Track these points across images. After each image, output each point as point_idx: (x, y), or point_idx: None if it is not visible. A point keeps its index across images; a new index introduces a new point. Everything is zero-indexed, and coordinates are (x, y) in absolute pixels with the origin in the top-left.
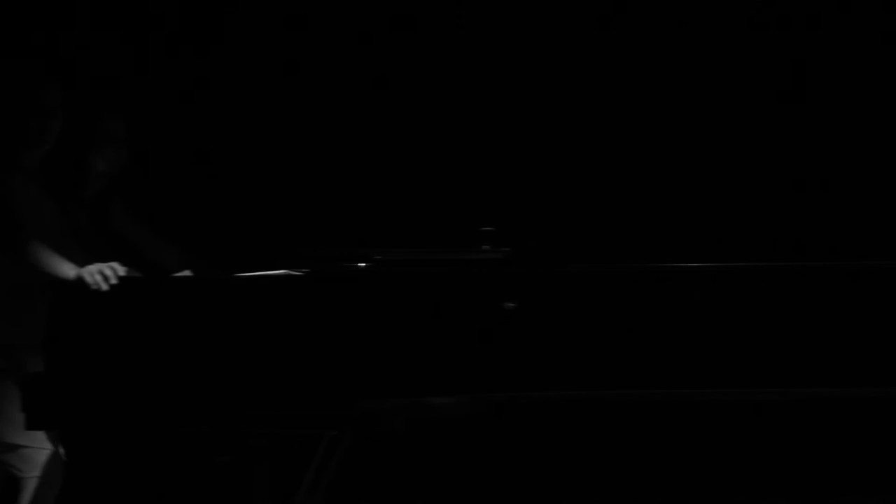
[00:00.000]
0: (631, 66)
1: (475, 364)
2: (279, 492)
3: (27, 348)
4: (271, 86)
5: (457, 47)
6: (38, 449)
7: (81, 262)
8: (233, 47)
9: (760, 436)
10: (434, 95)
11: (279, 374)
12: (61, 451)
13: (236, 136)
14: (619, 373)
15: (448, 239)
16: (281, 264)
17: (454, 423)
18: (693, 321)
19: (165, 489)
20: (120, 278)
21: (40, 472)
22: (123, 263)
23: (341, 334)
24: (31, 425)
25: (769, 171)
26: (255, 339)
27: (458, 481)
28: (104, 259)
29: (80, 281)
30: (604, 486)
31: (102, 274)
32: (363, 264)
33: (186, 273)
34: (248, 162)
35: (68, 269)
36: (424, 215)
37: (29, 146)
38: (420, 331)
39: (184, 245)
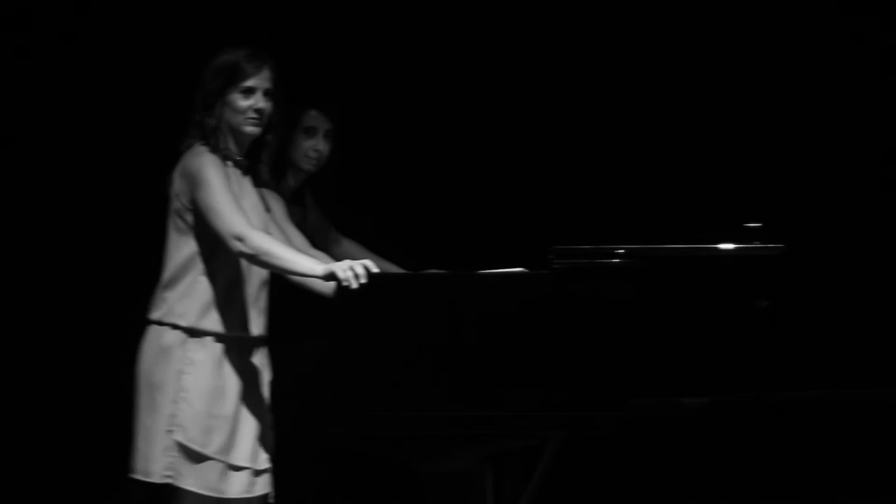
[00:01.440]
0: None
1: (730, 364)
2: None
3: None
4: (514, 78)
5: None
6: (217, 462)
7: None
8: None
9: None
10: (694, 87)
11: (547, 373)
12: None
13: (474, 132)
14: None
15: (714, 234)
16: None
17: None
18: None
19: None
20: (370, 276)
21: (203, 490)
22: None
23: (604, 331)
24: (279, 427)
25: None
26: (516, 339)
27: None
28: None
29: (330, 277)
30: None
31: (354, 271)
32: (618, 260)
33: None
34: (489, 157)
35: (314, 265)
36: (687, 209)
37: (234, 128)
38: (680, 327)
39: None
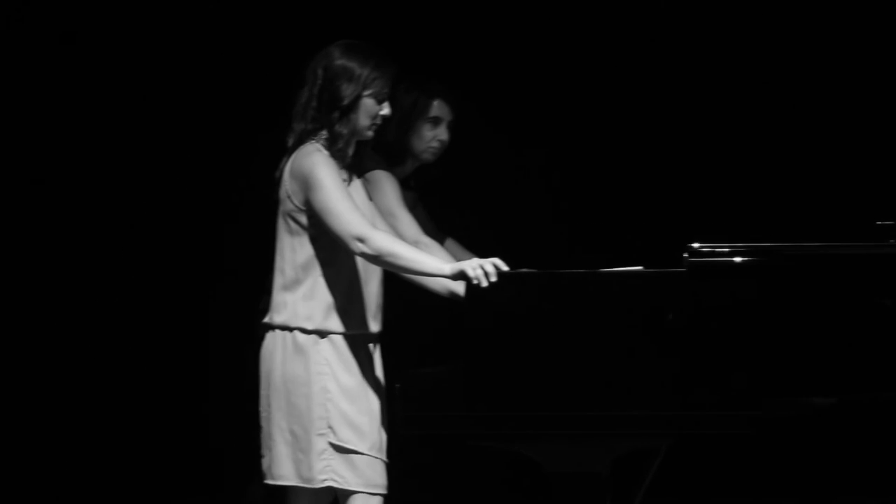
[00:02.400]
0: None
1: (857, 363)
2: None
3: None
4: (638, 73)
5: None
6: (373, 458)
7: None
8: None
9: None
10: (830, 85)
11: (681, 372)
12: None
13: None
14: None
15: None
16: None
17: None
18: None
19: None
20: (500, 274)
21: (367, 488)
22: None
23: (737, 330)
24: (409, 427)
25: None
26: (648, 337)
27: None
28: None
29: (458, 276)
30: None
31: (484, 269)
32: (750, 258)
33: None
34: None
35: (440, 264)
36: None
37: (359, 134)
38: (814, 325)
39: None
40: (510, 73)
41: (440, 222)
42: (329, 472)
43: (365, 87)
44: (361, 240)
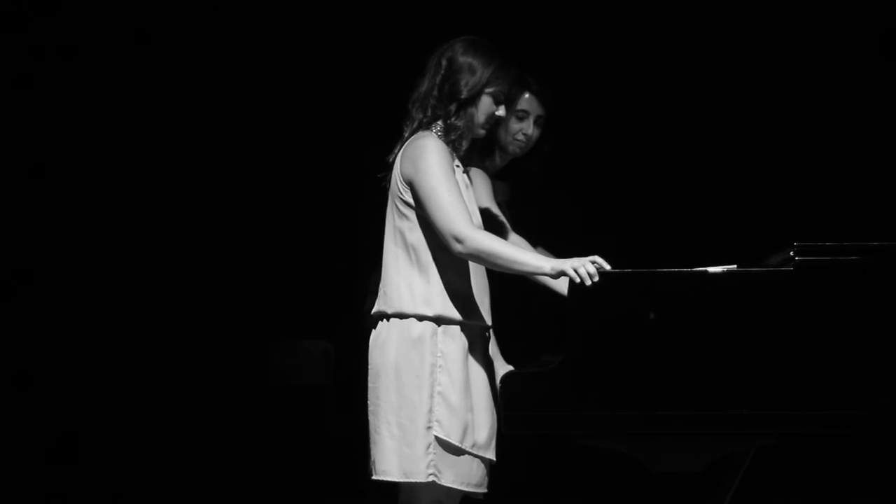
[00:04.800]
0: None
1: None
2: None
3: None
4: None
5: None
6: (473, 456)
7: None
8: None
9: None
10: None
11: (788, 372)
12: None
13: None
14: None
15: None
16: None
17: None
18: None
19: None
20: (603, 273)
21: (463, 486)
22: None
23: (846, 329)
24: (512, 426)
25: None
26: (755, 336)
27: None
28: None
29: (560, 275)
30: None
31: (586, 269)
32: (859, 257)
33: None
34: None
35: (541, 262)
36: None
37: (472, 131)
38: None
39: None
40: (608, 71)
41: (531, 219)
42: (433, 468)
43: (486, 85)
44: (459, 240)
